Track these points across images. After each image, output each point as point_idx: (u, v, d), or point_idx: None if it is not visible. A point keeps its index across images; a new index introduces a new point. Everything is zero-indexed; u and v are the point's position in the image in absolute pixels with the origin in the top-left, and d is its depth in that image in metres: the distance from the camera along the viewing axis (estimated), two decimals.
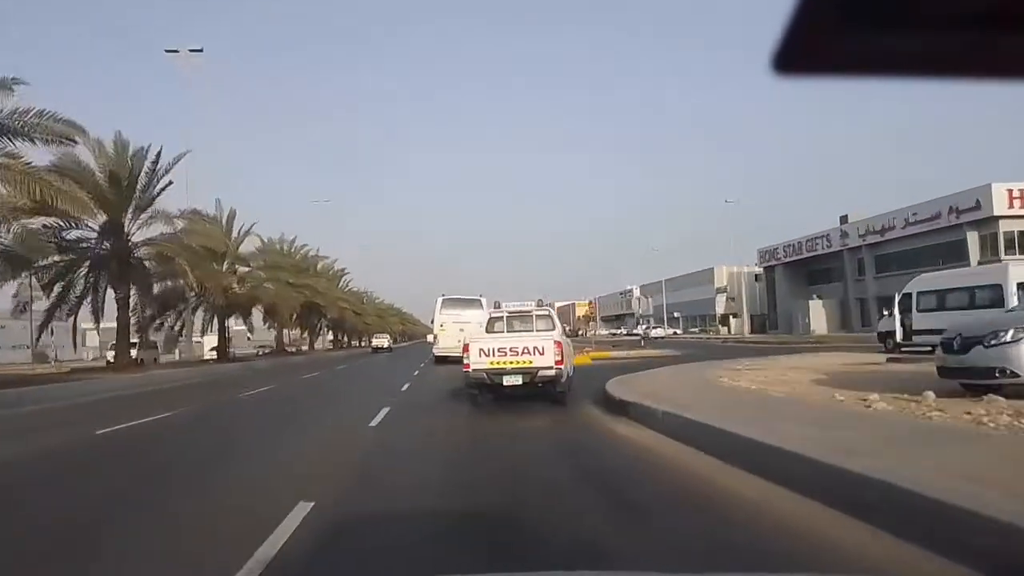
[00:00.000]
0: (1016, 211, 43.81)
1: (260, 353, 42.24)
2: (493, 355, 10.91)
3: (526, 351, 10.85)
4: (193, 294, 30.06)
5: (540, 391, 11.06)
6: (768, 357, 21.03)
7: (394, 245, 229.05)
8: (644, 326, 67.16)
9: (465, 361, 11.13)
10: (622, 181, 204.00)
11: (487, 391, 11.24)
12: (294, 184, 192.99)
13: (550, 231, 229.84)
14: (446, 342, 27.48)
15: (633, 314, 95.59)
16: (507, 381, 10.84)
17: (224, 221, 35.40)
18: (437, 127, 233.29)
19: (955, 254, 46.27)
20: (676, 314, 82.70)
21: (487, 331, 12.69)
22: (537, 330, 12.29)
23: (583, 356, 23.98)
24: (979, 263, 43.82)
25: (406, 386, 17.58)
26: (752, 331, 66.94)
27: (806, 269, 66.73)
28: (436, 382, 19.18)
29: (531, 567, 3.65)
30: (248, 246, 38.11)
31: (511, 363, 10.84)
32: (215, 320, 35.74)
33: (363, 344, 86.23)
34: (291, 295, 40.47)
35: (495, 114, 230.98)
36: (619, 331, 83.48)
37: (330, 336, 71.22)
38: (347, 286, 72.52)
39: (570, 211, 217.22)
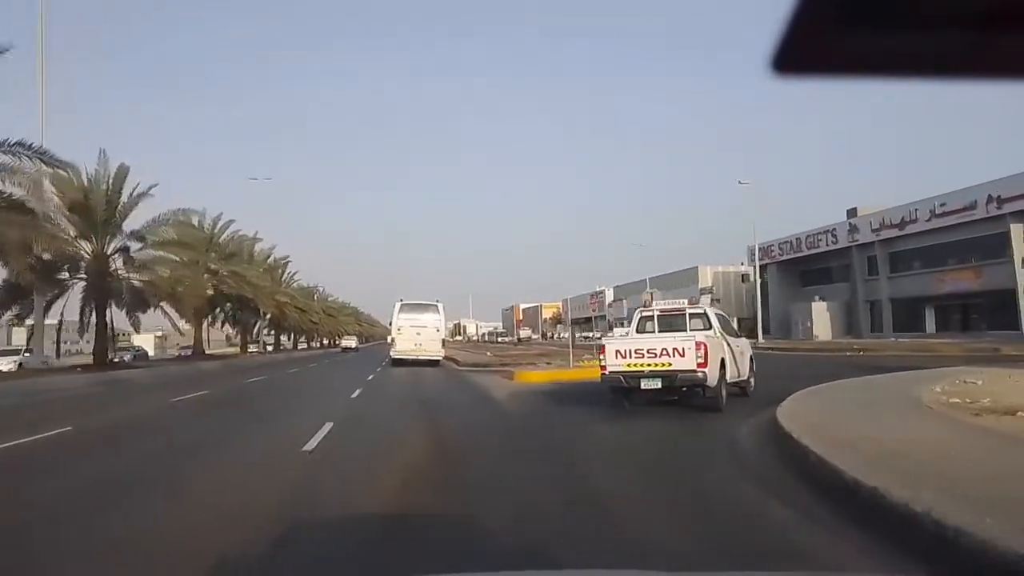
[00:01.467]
0: None
1: (119, 359, 32.81)
2: (629, 357, 10.35)
3: (664, 353, 10.15)
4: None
5: (684, 395, 10.41)
6: (880, 376, 13.34)
7: (357, 245, 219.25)
8: (624, 329, 59.56)
9: (601, 363, 10.68)
10: (597, 181, 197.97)
11: (630, 396, 10.65)
12: (253, 171, 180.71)
13: (520, 232, 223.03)
14: (403, 345, 28.79)
15: (604, 316, 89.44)
16: (644, 384, 10.26)
17: (109, 180, 26.30)
18: (404, 128, 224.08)
19: (994, 249, 40.64)
20: None
21: (637, 331, 12.30)
22: (691, 329, 11.57)
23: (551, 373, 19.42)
24: None
25: (326, 429, 9.35)
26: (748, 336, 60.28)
27: (801, 269, 60.89)
28: (388, 416, 11.29)
29: None
30: (149, 214, 28.36)
31: (648, 365, 10.21)
32: (94, 314, 26.49)
33: (315, 346, 78.73)
34: (200, 283, 31.33)
35: (465, 116, 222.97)
36: (591, 334, 76.78)
37: (270, 337, 61.90)
38: (292, 279, 63.55)
39: (539, 213, 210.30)
